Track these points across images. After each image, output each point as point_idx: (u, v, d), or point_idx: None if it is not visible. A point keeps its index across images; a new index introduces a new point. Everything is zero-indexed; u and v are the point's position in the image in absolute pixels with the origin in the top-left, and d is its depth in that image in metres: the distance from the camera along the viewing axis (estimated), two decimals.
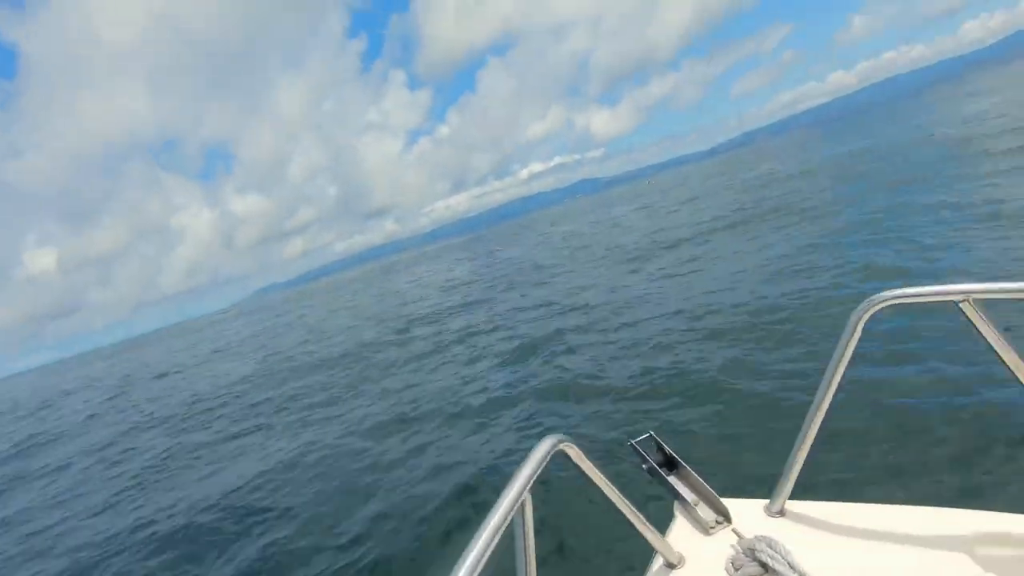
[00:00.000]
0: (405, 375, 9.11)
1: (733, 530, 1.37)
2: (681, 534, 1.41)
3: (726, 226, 14.52)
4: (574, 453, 1.12)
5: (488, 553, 0.80)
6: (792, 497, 1.41)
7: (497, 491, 0.91)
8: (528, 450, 1.03)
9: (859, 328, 1.26)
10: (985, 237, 6.61)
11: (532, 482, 0.96)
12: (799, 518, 1.39)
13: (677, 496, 1.47)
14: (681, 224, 18.18)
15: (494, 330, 10.54)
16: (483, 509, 0.89)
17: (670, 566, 1.31)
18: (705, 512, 1.43)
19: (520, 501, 0.92)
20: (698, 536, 1.39)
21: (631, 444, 1.55)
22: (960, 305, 1.15)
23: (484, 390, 6.94)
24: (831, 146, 37.32)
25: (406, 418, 6.67)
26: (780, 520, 1.39)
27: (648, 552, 1.33)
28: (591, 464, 1.17)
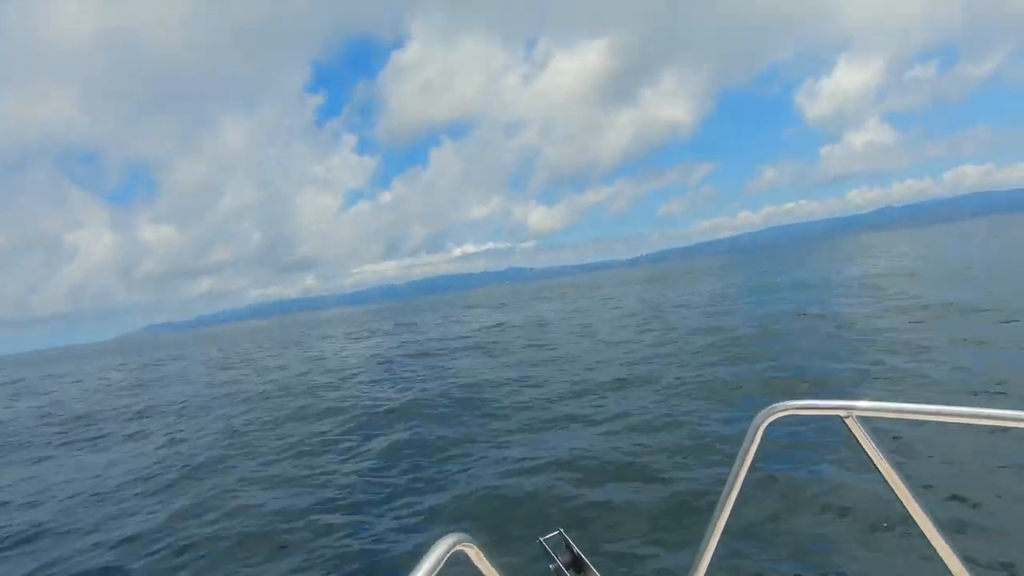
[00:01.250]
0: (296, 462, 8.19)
1: None
2: None
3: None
4: (473, 553, 1.06)
5: None
6: None
7: None
8: (423, 551, 0.94)
9: (759, 433, 1.32)
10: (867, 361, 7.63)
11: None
12: None
13: None
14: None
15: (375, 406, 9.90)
16: None
17: None
18: None
19: None
20: None
21: (539, 541, 1.52)
22: (844, 420, 1.25)
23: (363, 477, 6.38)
24: (736, 275, 41.36)
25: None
26: None
27: None
28: (491, 566, 1.11)
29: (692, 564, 1.38)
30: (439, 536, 0.99)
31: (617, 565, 3.56)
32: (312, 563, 4.39)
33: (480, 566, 1.09)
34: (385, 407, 9.67)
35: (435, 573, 0.91)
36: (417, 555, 0.92)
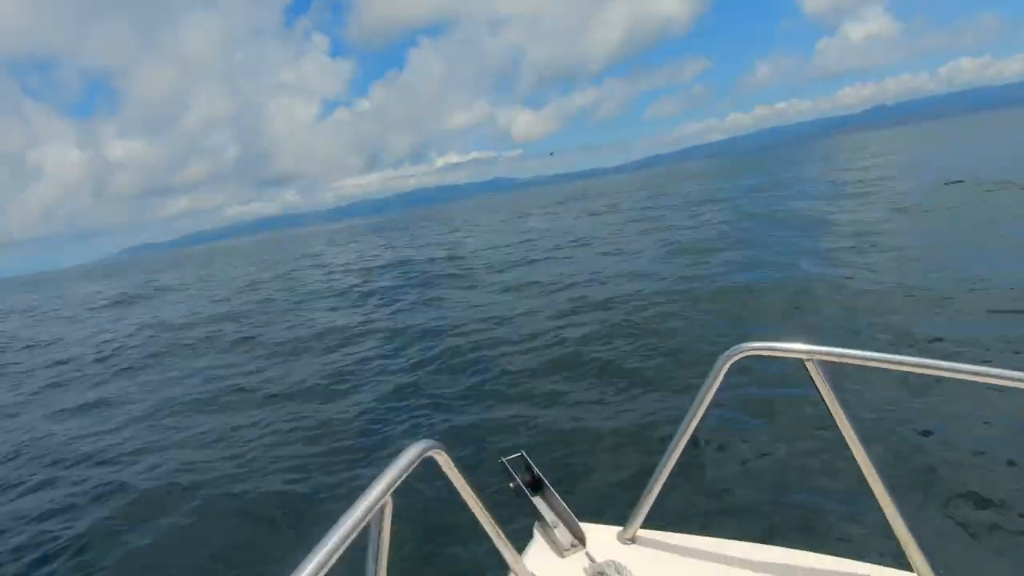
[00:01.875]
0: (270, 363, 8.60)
1: (586, 554, 1.42)
2: (538, 555, 1.44)
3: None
4: (443, 460, 1.10)
5: (339, 553, 0.76)
6: (645, 526, 1.48)
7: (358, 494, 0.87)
8: (395, 453, 1.00)
9: (723, 372, 1.36)
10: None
11: (395, 486, 0.93)
12: (650, 544, 1.46)
13: (538, 517, 1.50)
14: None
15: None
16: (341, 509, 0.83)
17: None
18: (563, 535, 1.46)
19: (380, 504, 0.90)
20: (553, 558, 1.43)
21: (501, 461, 1.56)
22: (805, 363, 1.28)
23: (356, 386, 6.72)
24: (727, 181, 40.45)
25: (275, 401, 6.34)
26: (631, 547, 1.46)
27: (504, 570, 1.33)
28: (459, 474, 1.16)
29: (643, 494, 1.46)
30: (410, 443, 1.03)
31: (574, 487, 3.68)
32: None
33: (448, 473, 1.14)
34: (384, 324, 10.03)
35: (405, 474, 0.96)
36: (388, 459, 0.97)
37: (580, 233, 20.00)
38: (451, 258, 18.80)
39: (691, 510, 3.22)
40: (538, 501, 1.53)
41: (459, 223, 45.73)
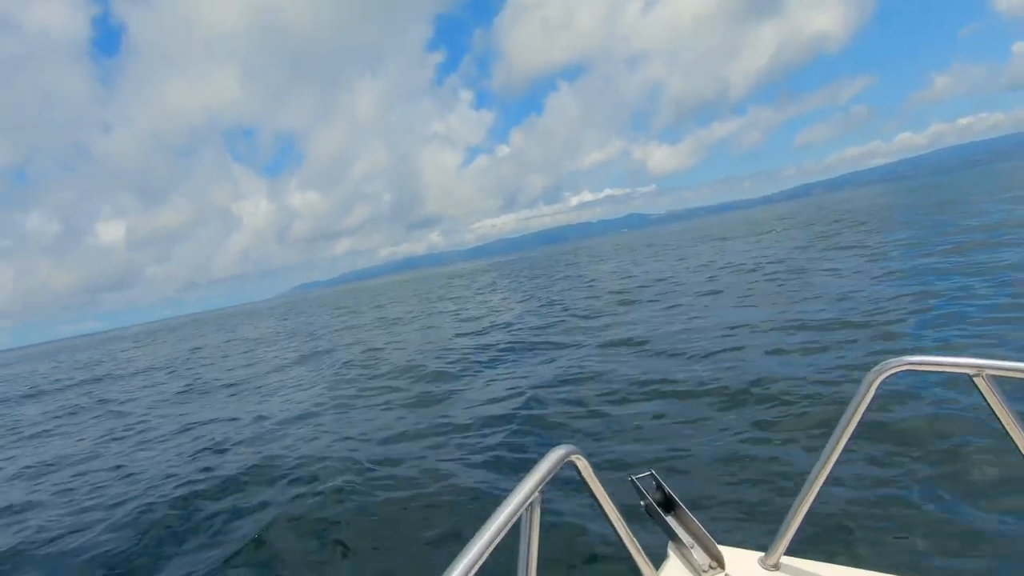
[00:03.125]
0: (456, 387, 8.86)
1: (726, 575, 1.37)
2: (673, 574, 1.40)
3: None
4: (583, 466, 1.12)
5: (490, 549, 0.80)
6: (788, 553, 1.41)
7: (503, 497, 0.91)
8: (539, 457, 1.03)
9: (872, 389, 1.26)
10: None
11: (543, 485, 0.96)
12: (794, 572, 1.38)
13: (673, 536, 1.46)
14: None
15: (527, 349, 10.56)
16: (490, 510, 0.88)
17: None
18: (700, 556, 1.41)
19: (529, 501, 0.93)
20: None
21: (631, 479, 1.54)
22: (974, 379, 1.16)
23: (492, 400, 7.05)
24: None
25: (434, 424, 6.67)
26: (775, 573, 1.40)
27: None
28: (597, 482, 1.16)
29: (786, 518, 1.38)
30: (553, 447, 1.07)
31: (708, 507, 3.50)
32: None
33: (588, 479, 1.14)
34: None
35: (550, 475, 0.98)
36: (530, 464, 1.00)
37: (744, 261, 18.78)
38: (643, 286, 17.92)
39: (838, 537, 2.97)
40: (671, 520, 1.49)
41: (615, 254, 45.13)
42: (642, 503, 1.51)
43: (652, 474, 1.53)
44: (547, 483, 0.97)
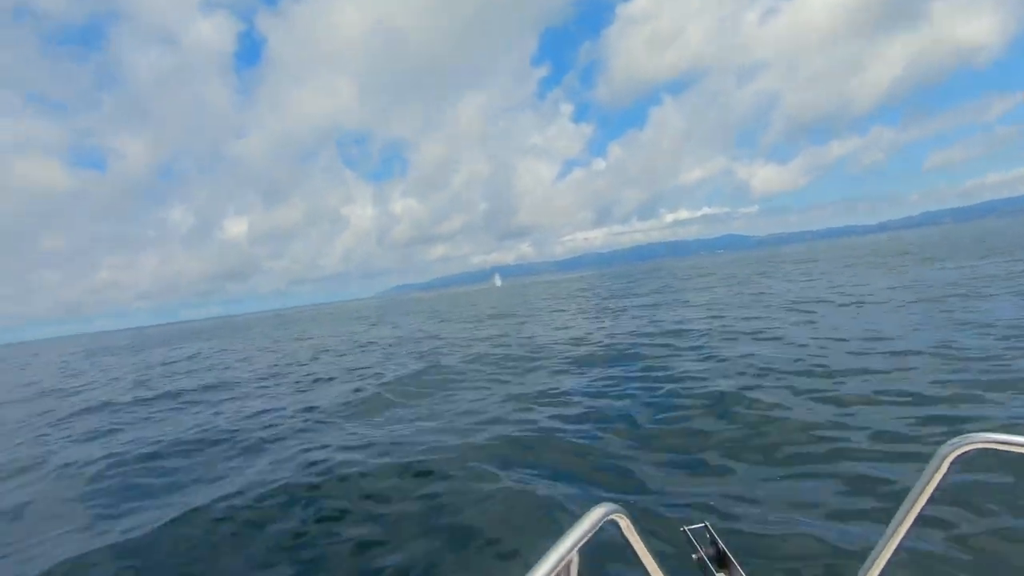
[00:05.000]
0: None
1: None
2: None
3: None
4: (625, 524, 1.11)
5: None
6: None
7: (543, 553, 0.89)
8: (580, 515, 1.03)
9: (945, 465, 1.21)
10: None
11: (581, 544, 0.96)
12: None
13: None
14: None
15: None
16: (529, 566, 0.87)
17: None
18: None
19: (566, 560, 0.92)
20: None
21: (684, 530, 1.49)
22: None
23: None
24: None
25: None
26: None
27: None
28: (640, 540, 1.15)
29: None
30: (593, 505, 1.06)
31: (764, 567, 3.27)
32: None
33: (630, 537, 1.13)
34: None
35: (590, 534, 0.97)
36: (572, 521, 0.99)
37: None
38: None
39: None
40: None
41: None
42: (694, 556, 1.46)
43: (707, 526, 1.48)
44: (587, 543, 0.96)
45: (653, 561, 1.18)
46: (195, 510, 4.92)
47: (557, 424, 6.48)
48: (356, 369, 13.34)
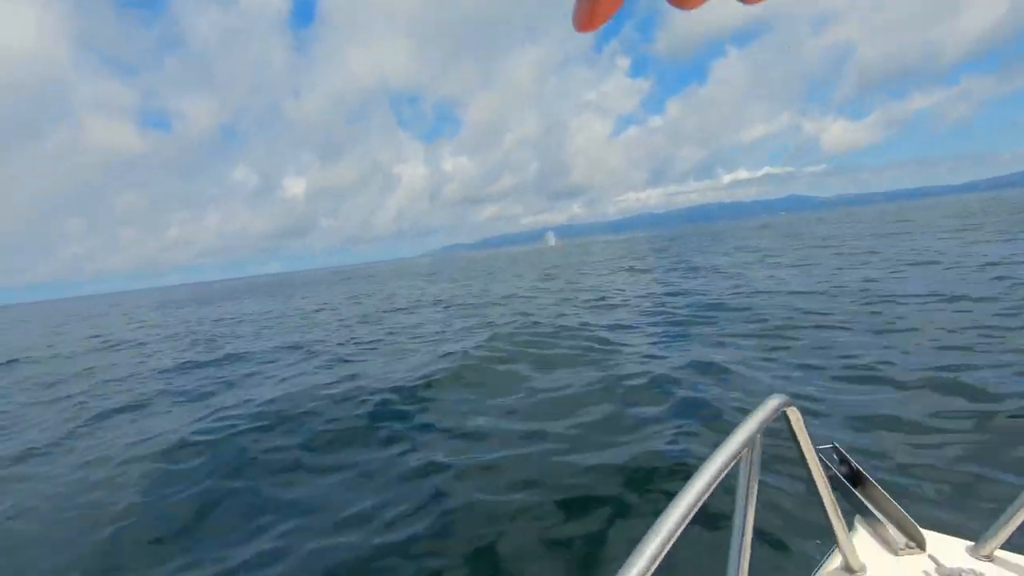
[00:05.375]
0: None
1: (930, 556, 1.28)
2: (865, 545, 1.33)
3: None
4: (795, 418, 1.10)
5: (717, 480, 0.81)
6: (1006, 547, 1.27)
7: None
8: (756, 404, 1.04)
9: None
10: None
11: (762, 426, 0.97)
12: (1013, 569, 1.23)
13: (863, 511, 1.38)
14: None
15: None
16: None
17: (849, 570, 1.26)
18: (895, 533, 1.33)
19: (752, 440, 0.93)
20: (883, 553, 1.31)
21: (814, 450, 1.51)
22: None
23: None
24: None
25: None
26: (987, 564, 1.25)
27: (826, 547, 1.31)
28: (806, 434, 1.13)
29: (1005, 511, 1.24)
30: (770, 396, 1.05)
31: (894, 487, 3.10)
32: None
33: (797, 431, 1.11)
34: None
35: (768, 421, 0.98)
36: (745, 411, 1.01)
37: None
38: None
39: None
40: (860, 494, 1.40)
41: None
42: (827, 475, 1.40)
43: (835, 446, 1.42)
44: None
45: (815, 456, 1.17)
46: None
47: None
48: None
